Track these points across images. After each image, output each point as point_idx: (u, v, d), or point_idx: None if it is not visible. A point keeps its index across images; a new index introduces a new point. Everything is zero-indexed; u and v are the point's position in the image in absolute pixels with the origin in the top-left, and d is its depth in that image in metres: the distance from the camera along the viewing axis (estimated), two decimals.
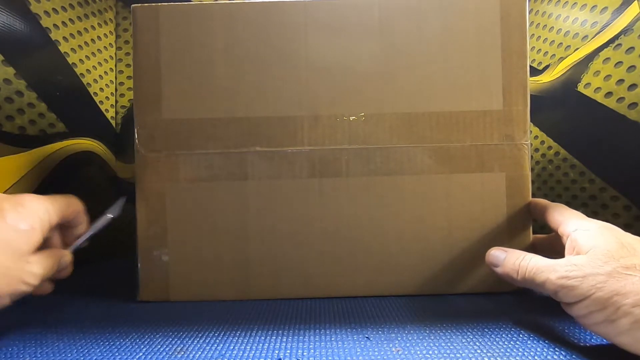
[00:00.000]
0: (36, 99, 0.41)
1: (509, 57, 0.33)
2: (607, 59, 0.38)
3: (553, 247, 0.30)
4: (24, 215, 0.25)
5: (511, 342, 0.24)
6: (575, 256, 0.23)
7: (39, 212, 0.26)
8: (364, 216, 0.33)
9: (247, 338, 0.26)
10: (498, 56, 0.33)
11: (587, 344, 0.24)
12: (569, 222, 0.26)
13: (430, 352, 0.23)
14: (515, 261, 0.26)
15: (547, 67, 0.47)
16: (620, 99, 0.37)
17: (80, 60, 0.48)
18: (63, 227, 0.30)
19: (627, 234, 0.24)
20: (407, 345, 0.24)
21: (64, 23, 0.44)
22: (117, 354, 0.24)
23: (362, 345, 0.24)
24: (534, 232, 0.34)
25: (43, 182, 0.41)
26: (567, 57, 0.44)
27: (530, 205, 0.33)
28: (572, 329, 0.26)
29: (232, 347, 0.25)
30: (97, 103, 0.52)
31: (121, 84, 0.56)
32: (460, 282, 0.33)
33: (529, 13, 0.36)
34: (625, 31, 0.36)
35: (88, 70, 0.49)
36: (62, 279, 0.29)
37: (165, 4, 0.33)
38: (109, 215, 0.33)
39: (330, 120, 0.33)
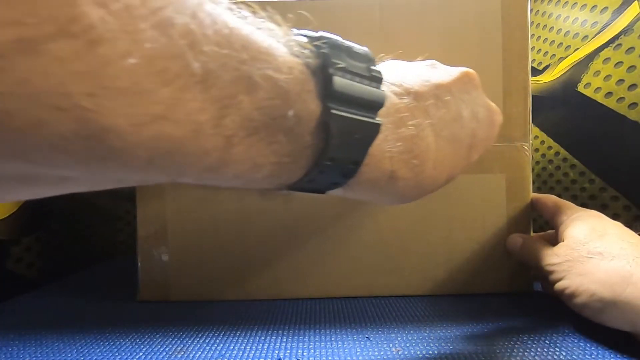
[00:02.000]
0: None
1: (510, 58, 0.33)
2: (607, 59, 0.38)
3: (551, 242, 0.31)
4: None
5: (511, 342, 0.24)
6: (557, 245, 0.27)
7: None
8: (364, 217, 0.33)
9: (247, 338, 0.26)
10: (499, 57, 0.33)
11: (587, 344, 0.24)
12: (561, 214, 0.30)
13: (430, 352, 0.23)
14: (527, 248, 0.31)
15: (547, 67, 0.47)
16: (620, 99, 0.37)
17: None
18: None
19: (607, 220, 0.27)
20: (407, 345, 0.24)
21: None
22: (117, 354, 0.24)
23: (362, 345, 0.24)
24: (534, 233, 0.34)
25: None
26: (567, 57, 0.44)
27: (532, 201, 0.33)
28: (572, 329, 0.26)
29: (232, 347, 0.25)
30: None
31: None
32: (460, 282, 0.33)
33: (529, 13, 0.35)
34: (625, 31, 0.36)
35: None
36: (58, 280, 0.29)
37: None
38: None
39: None
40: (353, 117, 0.15)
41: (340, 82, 0.15)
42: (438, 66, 0.22)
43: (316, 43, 0.15)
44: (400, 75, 0.20)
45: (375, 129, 0.16)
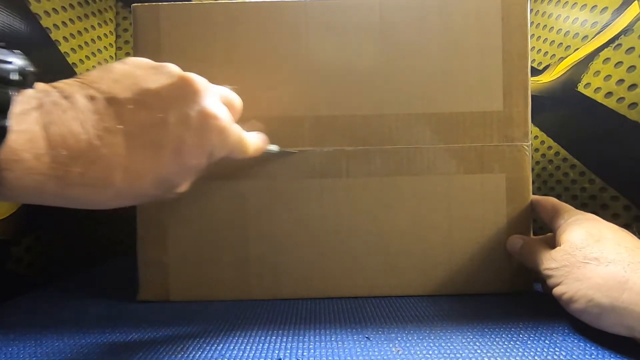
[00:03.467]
0: None
1: (510, 58, 0.33)
2: (607, 59, 0.38)
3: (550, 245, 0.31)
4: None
5: (511, 342, 0.24)
6: (554, 249, 0.27)
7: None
8: (364, 217, 0.33)
9: (247, 338, 0.26)
10: (499, 57, 0.33)
11: (587, 344, 0.24)
12: (559, 218, 0.30)
13: (430, 352, 0.23)
14: (527, 250, 0.30)
15: (547, 67, 0.47)
16: (620, 99, 0.37)
17: (81, 60, 0.48)
18: None
19: (604, 224, 0.27)
20: (407, 345, 0.24)
21: (64, 23, 0.44)
22: (117, 354, 0.24)
23: (362, 345, 0.24)
24: (534, 233, 0.34)
25: None
26: (567, 57, 0.44)
27: (532, 203, 0.33)
28: (572, 329, 0.26)
29: (232, 347, 0.25)
30: None
31: None
32: (460, 282, 0.33)
33: (529, 13, 0.35)
34: (625, 31, 0.36)
35: (88, 70, 0.49)
36: (58, 280, 0.29)
37: (166, 3, 0.33)
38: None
39: (330, 121, 0.33)
40: None
41: None
42: (161, 70, 0.22)
43: None
44: (105, 78, 0.20)
45: None
